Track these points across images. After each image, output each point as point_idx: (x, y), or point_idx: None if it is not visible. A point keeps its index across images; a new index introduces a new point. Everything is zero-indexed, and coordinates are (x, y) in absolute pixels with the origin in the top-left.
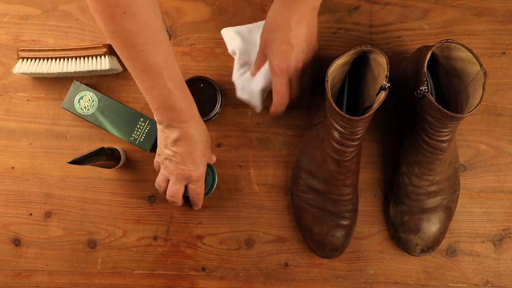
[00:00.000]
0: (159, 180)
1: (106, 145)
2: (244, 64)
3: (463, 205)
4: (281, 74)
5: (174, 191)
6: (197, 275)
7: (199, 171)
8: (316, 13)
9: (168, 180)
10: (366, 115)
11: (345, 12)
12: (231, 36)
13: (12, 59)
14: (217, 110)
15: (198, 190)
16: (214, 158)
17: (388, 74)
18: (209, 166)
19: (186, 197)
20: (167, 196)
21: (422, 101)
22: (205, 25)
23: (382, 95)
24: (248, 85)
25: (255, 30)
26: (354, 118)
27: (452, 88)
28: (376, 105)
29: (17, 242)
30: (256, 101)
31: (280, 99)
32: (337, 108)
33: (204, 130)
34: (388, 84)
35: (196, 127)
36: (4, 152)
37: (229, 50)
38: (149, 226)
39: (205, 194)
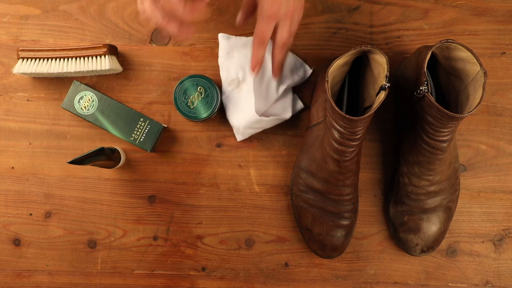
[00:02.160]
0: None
1: (106, 145)
2: (231, 82)
3: (463, 205)
4: (269, 18)
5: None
6: (197, 275)
7: None
8: None
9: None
10: (366, 115)
11: (345, 12)
12: (224, 48)
13: (12, 59)
14: (216, 109)
15: None
16: None
17: (388, 74)
18: (210, 83)
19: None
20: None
21: (422, 101)
22: (205, 25)
23: (382, 95)
24: (229, 105)
25: (250, 44)
26: (354, 118)
27: (452, 88)
28: (376, 105)
29: (17, 242)
30: (235, 132)
31: (259, 45)
32: (337, 108)
33: None
34: (388, 84)
35: None
36: (4, 152)
37: (219, 61)
38: (149, 226)
39: (210, 114)
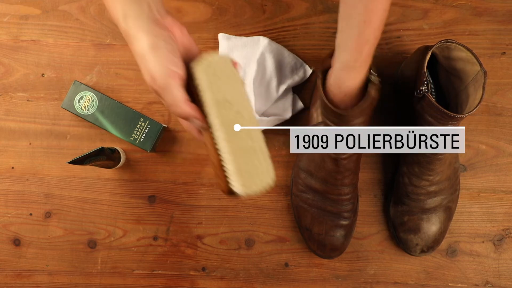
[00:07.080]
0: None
1: (106, 145)
2: None
3: (463, 205)
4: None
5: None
6: (197, 275)
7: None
8: None
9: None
10: (355, 108)
11: None
12: (224, 48)
13: (12, 59)
14: None
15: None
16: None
17: (374, 68)
18: None
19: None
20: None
21: (422, 101)
22: (205, 25)
23: (373, 89)
24: None
25: (250, 44)
26: (343, 113)
27: (452, 88)
28: (366, 98)
29: (17, 242)
30: None
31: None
32: (327, 102)
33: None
34: (375, 74)
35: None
36: (4, 152)
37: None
38: (149, 226)
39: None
